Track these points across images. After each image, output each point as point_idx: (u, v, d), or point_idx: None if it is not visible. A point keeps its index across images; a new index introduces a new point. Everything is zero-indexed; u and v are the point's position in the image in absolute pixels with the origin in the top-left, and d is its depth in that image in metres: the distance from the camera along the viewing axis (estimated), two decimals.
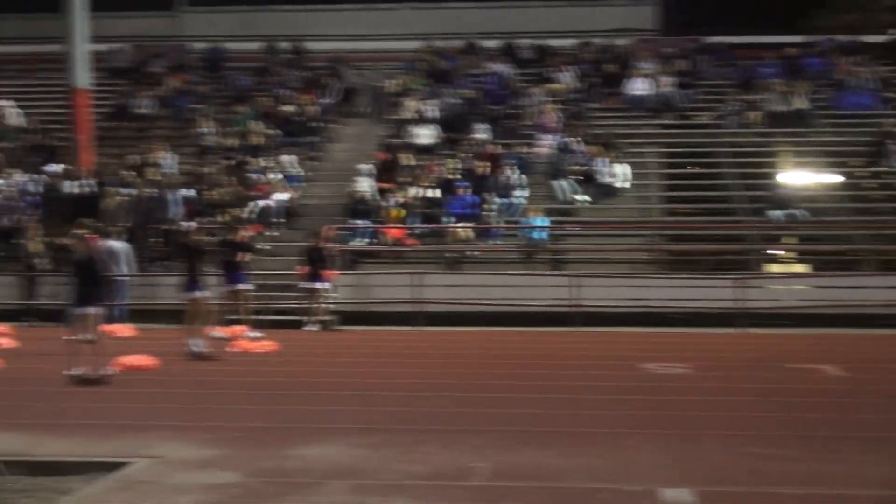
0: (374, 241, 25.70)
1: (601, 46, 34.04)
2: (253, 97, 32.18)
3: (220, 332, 18.96)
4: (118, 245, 22.97)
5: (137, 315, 22.97)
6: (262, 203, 26.07)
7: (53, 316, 22.73)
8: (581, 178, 27.32)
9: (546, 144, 28.66)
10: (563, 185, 27.06)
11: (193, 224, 20.71)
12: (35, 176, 27.31)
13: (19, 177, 27.10)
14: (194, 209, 25.70)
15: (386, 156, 28.35)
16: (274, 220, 25.99)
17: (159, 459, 11.08)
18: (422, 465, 10.65)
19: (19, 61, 35.90)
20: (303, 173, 28.42)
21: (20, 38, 36.52)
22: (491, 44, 35.00)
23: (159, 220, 25.29)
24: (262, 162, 28.10)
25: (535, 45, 34.62)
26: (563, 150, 28.16)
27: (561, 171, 27.44)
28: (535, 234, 25.43)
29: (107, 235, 22.73)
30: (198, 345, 18.26)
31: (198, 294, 18.55)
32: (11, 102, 31.80)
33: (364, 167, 27.43)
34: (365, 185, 26.68)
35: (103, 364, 16.02)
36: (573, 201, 26.97)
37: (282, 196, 26.48)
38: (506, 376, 16.48)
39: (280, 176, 27.34)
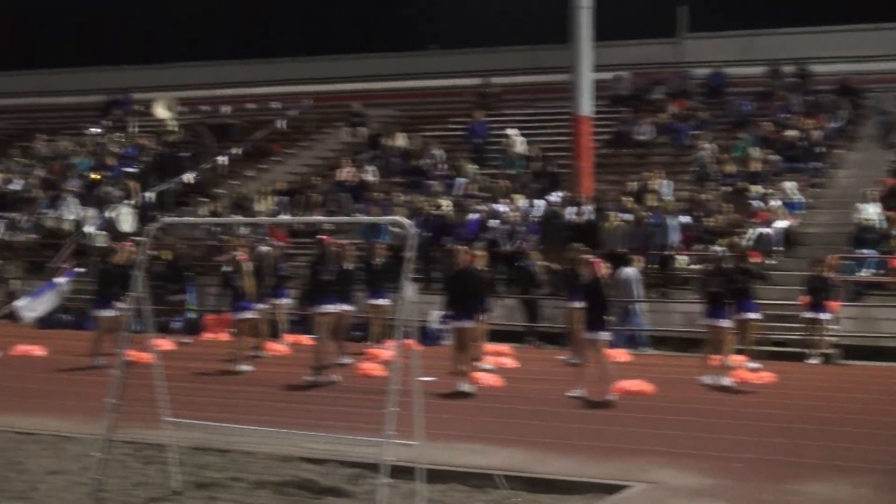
0: (881, 271, 24.25)
1: None
2: (754, 122, 31.53)
3: (729, 361, 18.52)
4: (630, 271, 23.20)
5: (635, 341, 23.10)
6: (760, 230, 25.36)
7: (553, 338, 23.30)
8: None
9: None
10: None
11: (726, 250, 20.44)
12: (537, 202, 28.14)
13: (522, 202, 28.01)
14: (691, 236, 25.48)
15: (895, 182, 26.78)
16: (773, 248, 25.20)
17: (655, 485, 11.11)
18: None
19: (524, 91, 37.38)
20: (804, 200, 27.40)
21: (526, 68, 38.00)
22: None
23: (657, 246, 25.26)
24: (761, 188, 27.41)
25: None
26: None
27: None
28: None
29: (624, 262, 23.02)
30: (713, 376, 17.98)
31: (722, 322, 18.24)
32: (516, 131, 33.08)
33: (870, 194, 26.01)
34: (871, 213, 25.27)
35: (605, 388, 16.15)
36: None
37: (781, 223, 25.64)
38: None
39: (780, 203, 26.50)
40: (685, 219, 25.90)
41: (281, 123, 38.68)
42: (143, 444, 12.52)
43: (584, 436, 13.75)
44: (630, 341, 22.88)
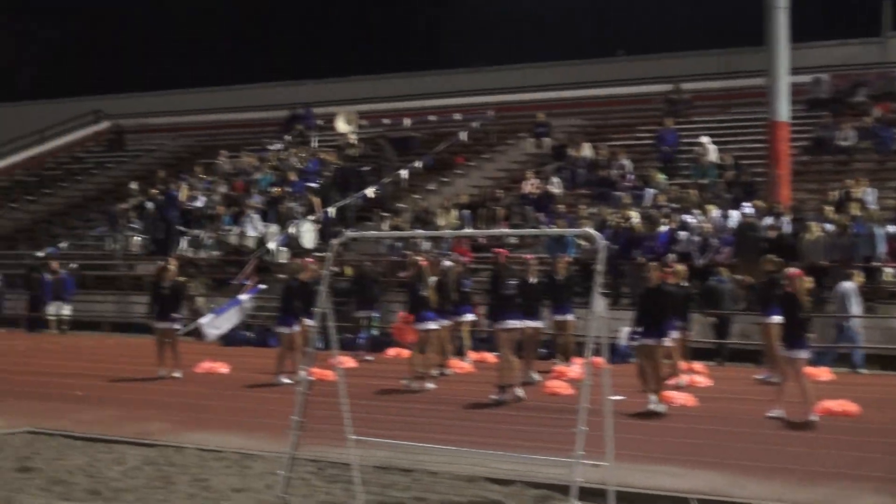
0: None
1: None
2: None
3: None
4: (848, 286, 22.31)
5: (847, 359, 22.14)
6: None
7: (747, 356, 22.43)
8: None
9: None
10: None
11: None
12: (731, 212, 27.17)
13: (715, 213, 27.11)
14: None
15: None
16: None
17: None
18: None
19: (716, 96, 36.42)
20: None
21: (718, 73, 37.03)
22: None
23: (862, 258, 24.01)
24: None
25: None
26: None
27: None
28: None
29: (843, 276, 22.37)
30: None
31: None
32: (709, 138, 32.13)
33: None
34: None
35: (807, 408, 15.35)
36: None
37: None
38: None
39: None
40: (893, 228, 24.61)
41: (463, 135, 38.43)
42: (326, 462, 12.32)
43: (785, 458, 13.02)
44: (840, 359, 21.79)
